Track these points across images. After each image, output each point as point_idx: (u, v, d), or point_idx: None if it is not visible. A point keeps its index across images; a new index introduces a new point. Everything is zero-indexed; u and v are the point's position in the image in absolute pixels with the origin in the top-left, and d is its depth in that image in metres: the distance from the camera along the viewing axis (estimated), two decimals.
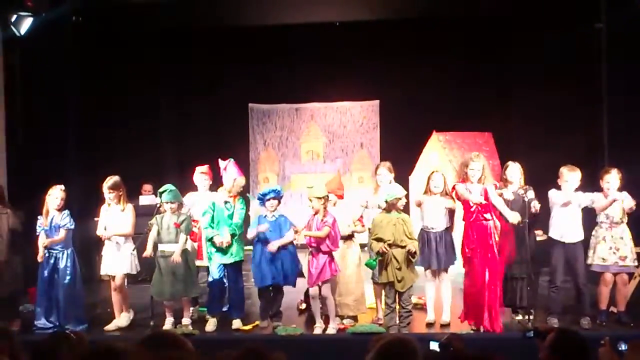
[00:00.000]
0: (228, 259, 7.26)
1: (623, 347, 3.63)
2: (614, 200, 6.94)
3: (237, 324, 7.30)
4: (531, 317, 7.06)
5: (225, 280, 7.42)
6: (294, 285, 7.29)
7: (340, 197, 7.39)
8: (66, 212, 7.36)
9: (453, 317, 7.24)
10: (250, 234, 7.21)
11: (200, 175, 7.85)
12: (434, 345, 3.62)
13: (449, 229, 7.30)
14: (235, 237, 7.25)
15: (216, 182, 7.81)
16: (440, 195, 7.20)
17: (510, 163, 7.41)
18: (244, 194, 7.51)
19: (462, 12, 10.93)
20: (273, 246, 7.02)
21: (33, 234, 7.42)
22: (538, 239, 7.67)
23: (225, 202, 7.31)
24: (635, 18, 8.95)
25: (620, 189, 7.10)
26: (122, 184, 7.46)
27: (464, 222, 7.06)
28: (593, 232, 7.17)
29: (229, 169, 7.40)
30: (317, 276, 6.81)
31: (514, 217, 6.85)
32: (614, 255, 7.02)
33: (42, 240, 7.26)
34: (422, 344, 3.64)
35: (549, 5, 10.12)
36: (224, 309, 7.59)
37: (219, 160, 7.52)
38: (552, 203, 7.13)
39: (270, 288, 7.24)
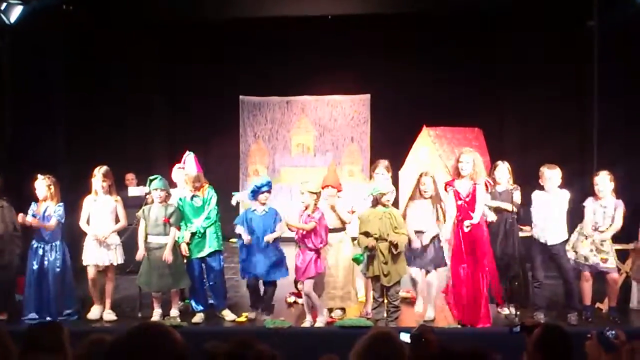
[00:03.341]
0: (205, 252, 7.28)
1: (612, 333, 3.65)
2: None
3: (227, 313, 7.32)
4: (518, 312, 7.10)
5: (204, 274, 7.41)
6: (277, 279, 7.30)
7: (340, 190, 7.38)
8: (61, 204, 7.32)
9: (438, 313, 7.29)
10: (238, 230, 7.22)
11: (179, 170, 7.82)
12: (405, 337, 3.57)
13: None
14: (210, 228, 7.27)
15: None
16: (430, 200, 7.18)
17: (499, 163, 7.45)
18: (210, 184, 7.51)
19: (453, 9, 10.94)
20: (269, 238, 7.02)
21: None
22: (523, 234, 7.70)
23: (193, 197, 7.31)
24: (627, 17, 8.99)
25: (615, 190, 7.13)
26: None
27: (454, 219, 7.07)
28: (577, 228, 7.21)
29: (186, 163, 7.40)
30: (302, 272, 6.84)
31: (492, 216, 6.87)
32: (596, 257, 7.07)
33: (30, 219, 7.22)
34: None
35: (541, 3, 10.15)
36: (211, 301, 7.59)
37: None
38: (534, 204, 7.16)
39: (260, 280, 7.25)
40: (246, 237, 7.09)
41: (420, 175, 7.30)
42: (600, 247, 7.06)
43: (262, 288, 7.35)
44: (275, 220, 7.14)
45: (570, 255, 7.17)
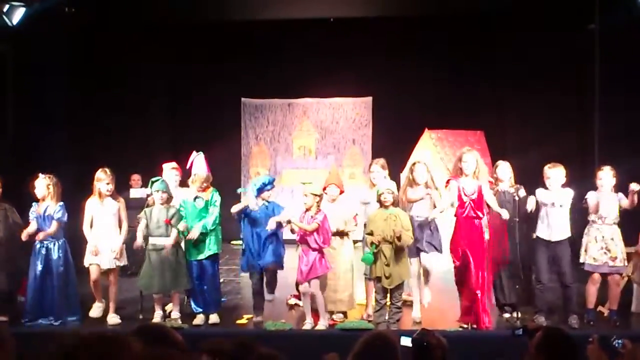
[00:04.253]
0: (204, 254, 7.26)
1: (619, 342, 3.64)
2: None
3: (214, 318, 7.27)
4: (519, 314, 7.09)
5: (202, 276, 7.36)
6: (281, 267, 7.27)
7: (342, 191, 7.37)
8: (61, 204, 7.30)
9: (438, 314, 7.29)
10: (235, 208, 7.14)
11: (171, 171, 7.80)
12: (406, 341, 3.54)
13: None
14: (212, 231, 7.25)
15: (185, 178, 7.81)
16: (424, 186, 7.20)
17: (500, 162, 7.46)
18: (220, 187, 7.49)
19: (455, 11, 10.95)
20: (272, 223, 6.91)
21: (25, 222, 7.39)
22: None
23: (195, 198, 7.30)
24: (627, 19, 9.00)
25: (615, 187, 7.13)
26: None
27: (456, 218, 7.06)
28: (585, 231, 7.19)
29: (195, 163, 7.39)
30: (307, 273, 6.82)
31: (505, 214, 6.87)
32: (605, 256, 7.04)
33: (33, 228, 7.21)
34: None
35: (543, 5, 10.16)
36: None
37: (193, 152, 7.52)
38: (540, 202, 7.15)
39: (263, 272, 7.22)
40: (252, 202, 7.04)
41: (413, 164, 7.36)
42: (610, 242, 7.04)
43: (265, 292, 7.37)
44: (276, 211, 7.07)
45: (582, 259, 7.16)
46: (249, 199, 7.09)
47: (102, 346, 1.67)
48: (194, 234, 7.17)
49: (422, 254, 7.23)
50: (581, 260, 7.17)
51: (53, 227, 7.21)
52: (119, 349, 1.68)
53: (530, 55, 10.64)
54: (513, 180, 7.33)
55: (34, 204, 7.31)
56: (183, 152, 7.81)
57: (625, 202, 7.01)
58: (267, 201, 7.16)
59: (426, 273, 7.37)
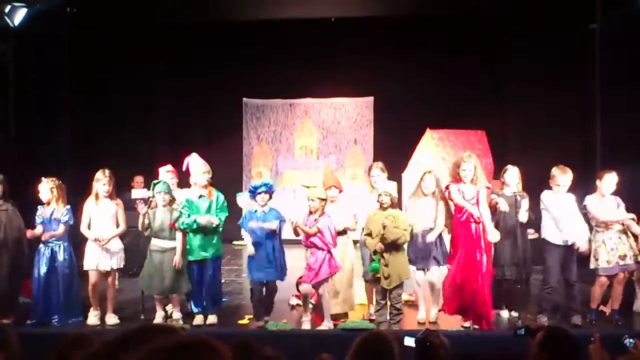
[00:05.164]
0: (205, 254, 7.25)
1: (630, 341, 3.63)
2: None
3: (212, 319, 7.26)
4: (520, 314, 7.09)
5: (203, 277, 7.34)
6: (282, 279, 7.27)
7: (341, 190, 7.36)
8: (68, 207, 7.30)
9: (441, 315, 7.26)
10: (244, 235, 7.21)
11: (166, 174, 7.82)
12: (409, 341, 3.54)
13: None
14: (214, 232, 7.25)
15: (182, 180, 7.87)
16: (431, 197, 7.18)
17: (509, 167, 7.42)
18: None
19: (457, 11, 10.94)
20: (267, 225, 6.96)
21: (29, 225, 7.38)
22: (530, 237, 7.68)
23: (200, 196, 7.29)
24: (629, 19, 8.99)
25: (615, 191, 7.13)
26: None
27: (453, 222, 7.05)
28: (591, 237, 7.18)
29: (191, 163, 7.39)
30: (314, 274, 6.77)
31: (494, 236, 6.86)
32: (615, 257, 7.05)
33: (39, 231, 7.21)
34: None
35: (545, 5, 10.15)
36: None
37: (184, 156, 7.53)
38: (545, 205, 7.14)
39: (264, 282, 7.22)
40: (250, 249, 7.07)
41: (424, 174, 7.32)
42: (618, 242, 7.05)
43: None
44: (270, 217, 7.06)
45: (593, 265, 7.15)
46: (244, 201, 7.10)
47: (199, 351, 1.66)
48: (214, 221, 7.16)
49: (432, 267, 7.18)
50: (592, 266, 7.15)
51: (60, 230, 7.22)
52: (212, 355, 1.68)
53: (531, 55, 10.63)
54: (520, 187, 7.31)
55: (39, 207, 7.31)
56: (184, 153, 7.80)
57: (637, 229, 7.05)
58: (266, 211, 7.10)
59: (432, 287, 7.29)
